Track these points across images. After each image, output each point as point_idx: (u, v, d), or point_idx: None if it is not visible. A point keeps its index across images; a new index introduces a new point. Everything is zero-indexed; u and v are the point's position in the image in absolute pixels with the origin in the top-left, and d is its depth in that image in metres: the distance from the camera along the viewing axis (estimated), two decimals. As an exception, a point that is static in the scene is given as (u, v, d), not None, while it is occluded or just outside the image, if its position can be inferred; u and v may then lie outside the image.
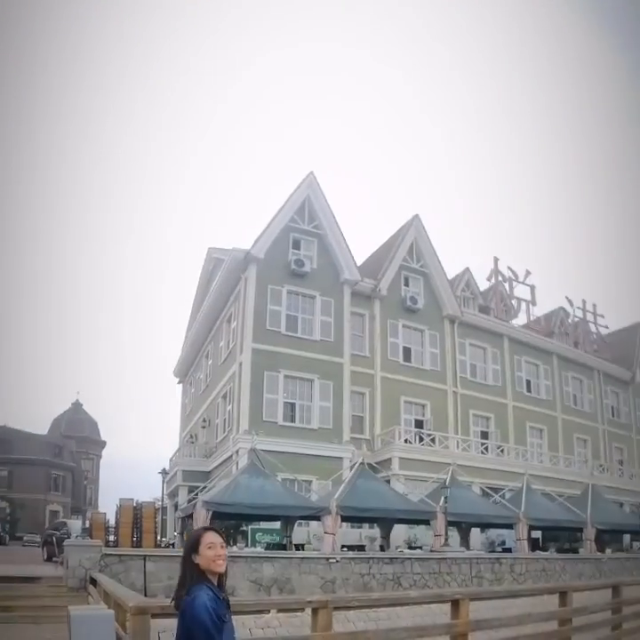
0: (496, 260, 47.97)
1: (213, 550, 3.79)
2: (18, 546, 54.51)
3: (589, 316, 54.71)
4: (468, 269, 47.63)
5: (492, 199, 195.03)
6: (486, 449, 39.64)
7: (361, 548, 27.85)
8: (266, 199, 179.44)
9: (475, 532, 33.74)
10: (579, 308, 53.99)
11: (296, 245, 35.48)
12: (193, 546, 3.83)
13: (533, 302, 49.56)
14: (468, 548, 30.10)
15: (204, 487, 27.06)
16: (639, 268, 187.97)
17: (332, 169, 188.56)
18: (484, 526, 33.72)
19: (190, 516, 24.58)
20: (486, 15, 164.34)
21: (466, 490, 31.63)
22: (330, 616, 7.87)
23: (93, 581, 16.18)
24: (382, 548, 28.18)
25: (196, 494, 25.59)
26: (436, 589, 21.78)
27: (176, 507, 35.25)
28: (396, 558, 23.38)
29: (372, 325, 38.30)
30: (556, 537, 38.14)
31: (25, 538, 60.07)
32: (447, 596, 10.74)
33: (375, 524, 30.86)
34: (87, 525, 35.74)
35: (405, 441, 35.60)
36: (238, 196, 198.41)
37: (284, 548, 25.61)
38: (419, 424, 38.73)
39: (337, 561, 21.68)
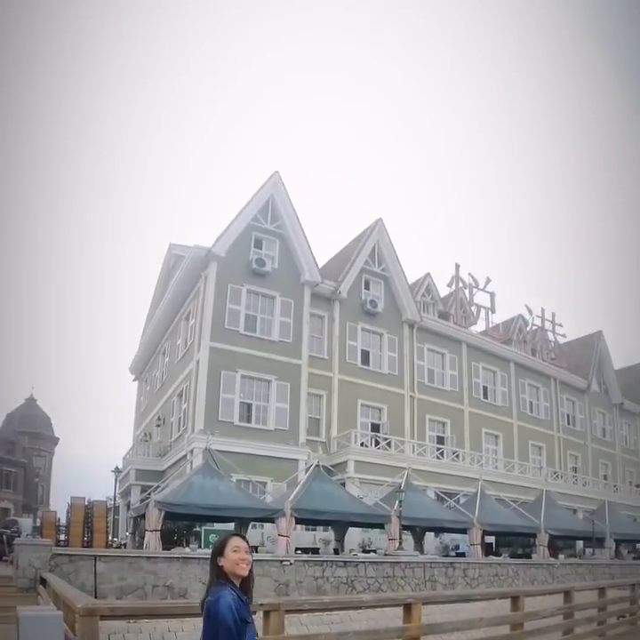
0: (457, 266, 48.29)
1: (238, 553, 3.97)
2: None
3: (548, 325, 55.29)
4: (428, 275, 47.82)
5: (457, 204, 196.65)
6: (442, 454, 39.75)
7: (315, 550, 27.72)
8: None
9: (429, 536, 33.84)
10: (537, 316, 54.68)
11: (258, 245, 35.16)
12: (219, 549, 4.00)
13: (493, 309, 50.03)
14: (421, 552, 30.12)
15: (157, 487, 26.61)
16: (598, 279, 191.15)
17: (332, 169, 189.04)
18: (439, 531, 33.86)
19: (142, 516, 24.18)
20: (486, 15, 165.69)
21: (420, 494, 31.72)
22: (282, 619, 7.84)
23: (43, 581, 15.86)
24: (336, 552, 28.05)
25: (149, 494, 25.12)
26: (389, 593, 21.70)
27: (128, 506, 34.71)
28: (350, 561, 23.28)
29: (331, 327, 38.12)
30: (510, 542, 38.48)
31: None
32: (400, 599, 10.71)
33: (330, 527, 30.70)
34: (38, 524, 35.09)
35: (361, 444, 35.48)
36: (237, 195, 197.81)
37: (237, 549, 25.22)
38: (375, 428, 38.66)
39: (291, 563, 21.51)
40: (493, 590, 22.74)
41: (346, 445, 34.84)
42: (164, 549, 21.89)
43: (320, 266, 38.32)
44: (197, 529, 28.54)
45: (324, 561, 22.64)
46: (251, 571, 4.06)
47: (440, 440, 42.27)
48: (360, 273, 40.24)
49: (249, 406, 32.98)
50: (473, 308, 48.97)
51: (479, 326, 49.62)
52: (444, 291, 49.13)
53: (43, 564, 17.29)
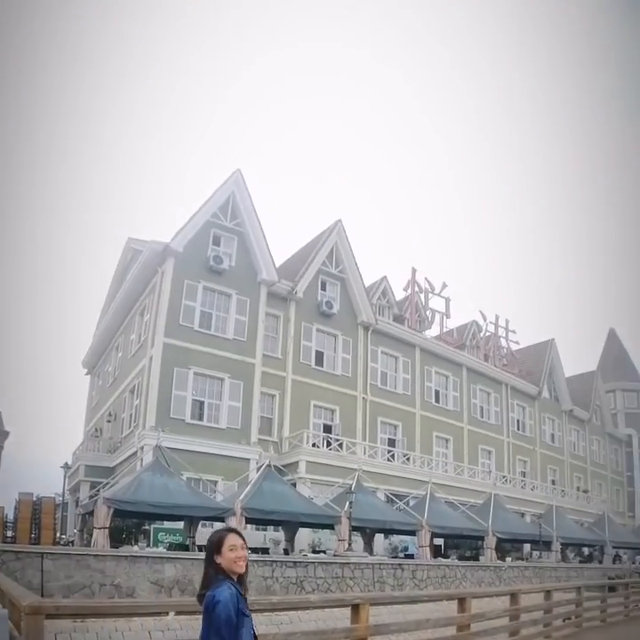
0: (414, 270, 48.57)
1: (235, 552, 4.07)
2: None
3: (501, 332, 55.99)
4: (385, 278, 47.99)
5: (457, 205, 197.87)
6: (393, 456, 39.94)
7: (265, 550, 27.49)
8: (265, 199, 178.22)
9: (378, 537, 34.04)
10: (491, 322, 55.30)
11: (216, 242, 34.90)
12: (216, 547, 4.09)
13: (447, 314, 50.54)
14: (371, 553, 30.19)
15: (107, 483, 26.26)
16: (551, 288, 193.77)
17: (332, 169, 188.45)
18: (388, 532, 33.96)
19: (91, 513, 23.76)
20: (486, 15, 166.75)
21: (371, 496, 31.77)
22: None
23: (-11, 579, 15.46)
24: (286, 552, 27.99)
25: (98, 490, 24.81)
26: (337, 594, 21.68)
27: (77, 503, 34.18)
28: (300, 562, 23.21)
29: (286, 327, 38.03)
30: (458, 544, 38.83)
31: None
32: (347, 600, 10.72)
33: (280, 527, 30.61)
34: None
35: (313, 445, 35.42)
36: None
37: (186, 548, 25.00)
38: (327, 429, 38.64)
39: (240, 563, 21.27)
40: (441, 592, 22.91)
41: (298, 446, 34.76)
42: (112, 547, 21.54)
43: (278, 265, 38.25)
44: (146, 527, 28.25)
45: (273, 561, 22.49)
46: (246, 565, 4.17)
47: (391, 442, 42.45)
48: (317, 274, 40.25)
49: (201, 404, 32.68)
50: (428, 313, 49.33)
51: (433, 331, 50.08)
52: (400, 294, 49.41)
53: (-12, 560, 16.90)
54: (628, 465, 74.93)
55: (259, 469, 28.53)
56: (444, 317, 50.48)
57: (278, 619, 17.04)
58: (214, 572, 4.05)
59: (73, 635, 13.67)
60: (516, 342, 57.74)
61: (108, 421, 39.64)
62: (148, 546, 25.15)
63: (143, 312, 35.48)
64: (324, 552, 28.74)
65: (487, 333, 55.07)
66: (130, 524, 27.71)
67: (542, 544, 38.19)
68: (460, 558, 34.27)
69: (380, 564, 25.76)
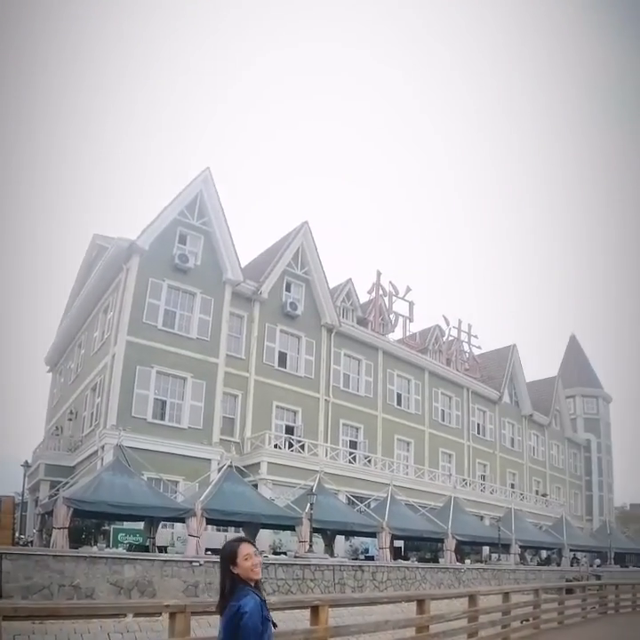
0: (379, 273, 48.67)
1: (250, 560, 4.21)
2: None
3: (464, 336, 56.39)
4: (350, 280, 48.05)
5: (457, 205, 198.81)
6: (354, 458, 39.98)
7: (225, 551, 27.29)
8: (264, 199, 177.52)
9: (339, 539, 34.04)
10: (454, 327, 55.66)
11: (182, 240, 34.68)
12: (231, 558, 4.22)
13: (411, 318, 50.71)
14: (331, 554, 30.21)
15: (67, 483, 25.88)
16: (514, 293, 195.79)
17: (332, 169, 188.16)
18: (349, 534, 33.96)
19: (51, 513, 23.40)
20: (486, 15, 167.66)
21: (332, 497, 31.73)
22: (188, 621, 7.77)
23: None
24: (247, 553, 27.71)
25: (58, 490, 24.44)
26: (298, 595, 21.65)
27: (37, 502, 33.66)
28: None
29: (250, 328, 37.91)
30: (418, 546, 39.05)
31: None
32: (307, 601, 10.77)
33: (241, 528, 30.38)
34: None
35: (275, 446, 35.36)
36: (237, 195, 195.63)
37: (146, 549, 24.80)
38: (289, 430, 38.58)
39: (200, 564, 21.23)
40: (400, 593, 22.97)
41: (259, 447, 34.66)
42: (71, 548, 21.21)
43: (244, 265, 38.11)
44: (106, 527, 27.91)
45: (233, 562, 22.36)
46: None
47: (353, 445, 42.52)
48: (282, 275, 40.21)
49: (163, 403, 32.40)
50: (391, 316, 49.48)
51: (397, 334, 50.22)
52: (365, 297, 49.55)
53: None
54: (586, 469, 76.09)
55: (220, 470, 28.33)
56: (408, 321, 50.68)
57: (239, 620, 16.90)
58: (232, 582, 4.18)
59: (31, 636, 13.48)
60: (478, 347, 58.38)
61: (69, 419, 39.17)
62: (108, 546, 24.81)
63: (107, 309, 35.09)
64: (285, 553, 28.65)
65: (450, 338, 55.48)
66: (89, 524, 27.36)
67: (501, 547, 38.53)
68: (420, 560, 34.43)
69: (341, 565, 25.78)
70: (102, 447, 28.94)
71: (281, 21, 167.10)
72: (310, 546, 27.20)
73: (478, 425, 55.75)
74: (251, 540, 4.50)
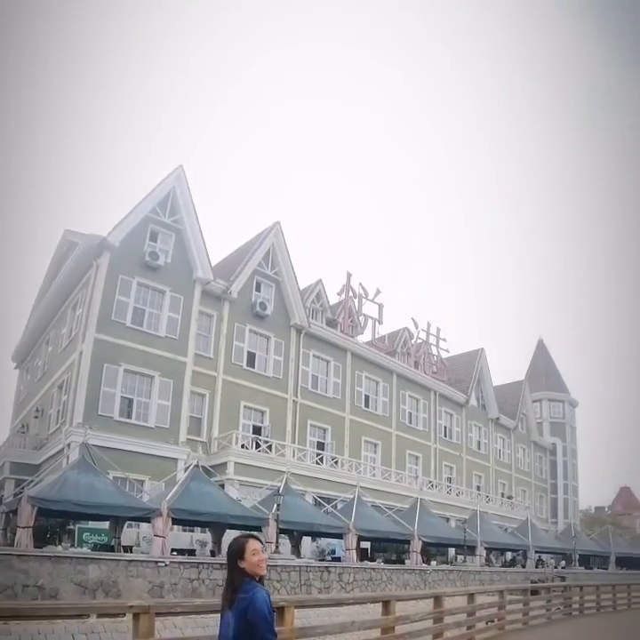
0: (349, 275, 48.66)
1: (257, 556, 4.43)
2: None
3: (432, 339, 56.64)
4: (320, 281, 48.02)
5: (457, 205, 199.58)
6: (321, 459, 39.99)
7: (191, 552, 27.19)
8: (263, 198, 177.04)
9: (306, 540, 33.99)
10: (423, 330, 55.90)
11: (153, 237, 34.43)
12: (239, 553, 4.43)
13: (380, 320, 50.85)
14: (298, 555, 30.18)
15: (32, 481, 25.52)
16: (483, 298, 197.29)
17: (332, 168, 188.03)
18: (315, 535, 33.93)
19: (15, 512, 23.04)
20: (486, 15, 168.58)
21: (299, 498, 31.67)
22: (152, 622, 7.67)
23: None
24: (213, 554, 27.60)
25: (23, 488, 24.10)
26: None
27: (1, 500, 33.13)
28: (227, 564, 22.85)
29: (219, 327, 37.72)
30: (385, 548, 39.14)
31: None
32: (273, 602, 10.55)
33: (207, 529, 30.26)
34: None
35: (242, 446, 35.22)
36: (236, 195, 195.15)
37: (111, 549, 24.53)
38: (257, 430, 38.44)
39: (166, 565, 21.04)
40: (366, 594, 23.01)
41: (227, 446, 34.51)
42: (35, 547, 20.87)
43: (215, 264, 37.94)
44: (71, 527, 27.54)
45: (199, 563, 22.27)
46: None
47: (320, 446, 42.49)
48: (253, 274, 40.11)
49: (130, 402, 32.11)
50: (361, 318, 49.52)
51: (366, 336, 50.29)
52: (335, 299, 49.55)
53: None
54: (551, 473, 76.90)
55: (186, 469, 28.15)
56: (377, 323, 50.80)
57: (204, 621, 16.79)
58: (240, 576, 4.38)
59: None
60: (446, 350, 58.69)
61: (36, 417, 38.71)
62: (73, 546, 24.53)
63: (76, 306, 34.74)
64: (252, 554, 28.46)
65: (418, 341, 55.70)
66: (54, 523, 26.96)
67: (467, 548, 38.77)
68: (386, 561, 34.45)
69: (307, 566, 25.70)
70: (68, 445, 28.63)
71: (281, 21, 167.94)
72: (277, 547, 27.07)
73: (445, 428, 56.09)
74: (258, 537, 4.65)
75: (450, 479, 54.55)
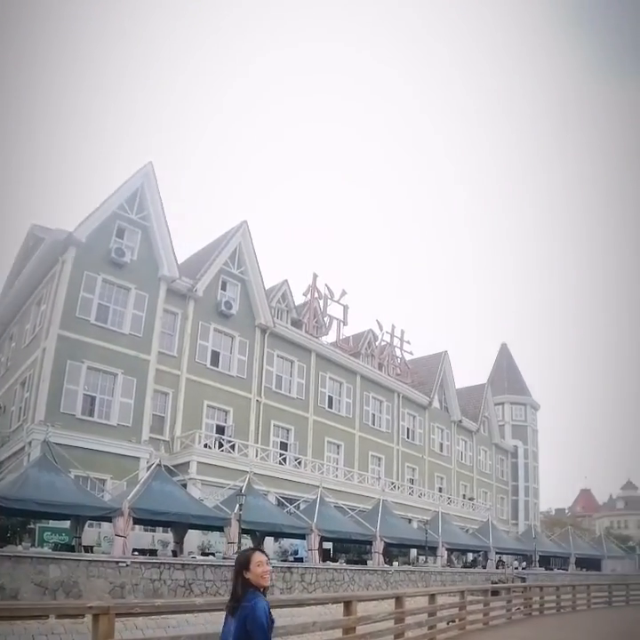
0: (315, 276, 48.65)
1: (261, 568, 4.67)
2: None
3: (396, 342, 56.82)
4: (285, 282, 47.92)
5: (458, 205, 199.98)
6: (284, 460, 39.94)
7: (153, 552, 26.93)
8: (263, 198, 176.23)
9: (268, 540, 33.94)
10: (387, 332, 56.04)
11: (120, 234, 34.13)
12: (245, 564, 4.67)
13: (345, 322, 50.86)
14: (260, 556, 29.84)
15: (-8, 479, 25.09)
16: (450, 301, 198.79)
17: (332, 169, 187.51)
18: (278, 535, 33.89)
19: (-26, 510, 22.69)
20: (486, 15, 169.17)
21: (261, 499, 31.57)
22: (112, 622, 7.58)
23: None
24: (175, 554, 27.41)
25: (-18, 486, 23.64)
26: (226, 596, 21.35)
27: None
28: (188, 564, 22.88)
29: (183, 325, 37.48)
30: (347, 548, 39.21)
31: None
32: None
33: (169, 529, 30.01)
34: None
35: (205, 446, 35.01)
36: (237, 194, 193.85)
37: (72, 549, 24.18)
38: (220, 430, 38.27)
39: (127, 565, 20.84)
40: (327, 595, 22.99)
41: (189, 446, 34.30)
42: (-5, 547, 20.63)
43: (181, 262, 37.72)
44: (31, 526, 27.11)
45: (161, 563, 22.11)
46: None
47: (283, 446, 42.43)
48: (218, 273, 39.93)
49: (93, 399, 31.75)
50: (325, 319, 49.51)
51: (330, 337, 50.32)
52: (300, 299, 49.51)
53: None
54: (513, 475, 77.76)
55: (149, 469, 27.91)
56: (341, 324, 50.86)
57: (165, 622, 16.70)
58: (244, 586, 4.62)
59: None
60: (410, 352, 59.00)
61: (-3, 414, 38.09)
62: (33, 545, 24.18)
63: (40, 302, 34.29)
64: (214, 554, 28.48)
65: (383, 343, 55.83)
66: (14, 522, 26.52)
67: (428, 549, 39.06)
68: (349, 562, 34.51)
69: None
70: (29, 443, 28.17)
71: (281, 21, 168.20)
72: (239, 547, 26.93)
73: (408, 429, 56.35)
74: (263, 550, 4.93)
75: (412, 480, 54.90)
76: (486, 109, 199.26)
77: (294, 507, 33.49)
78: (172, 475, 29.36)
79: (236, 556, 18.95)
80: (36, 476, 22.86)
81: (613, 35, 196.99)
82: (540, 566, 51.98)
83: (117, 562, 20.75)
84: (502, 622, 22.47)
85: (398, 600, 14.77)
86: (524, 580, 40.15)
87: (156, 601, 17.20)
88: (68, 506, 22.67)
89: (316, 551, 30.37)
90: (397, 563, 37.57)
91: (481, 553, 49.88)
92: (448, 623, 18.20)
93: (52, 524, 26.91)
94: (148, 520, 27.00)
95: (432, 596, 17.20)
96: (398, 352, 57.37)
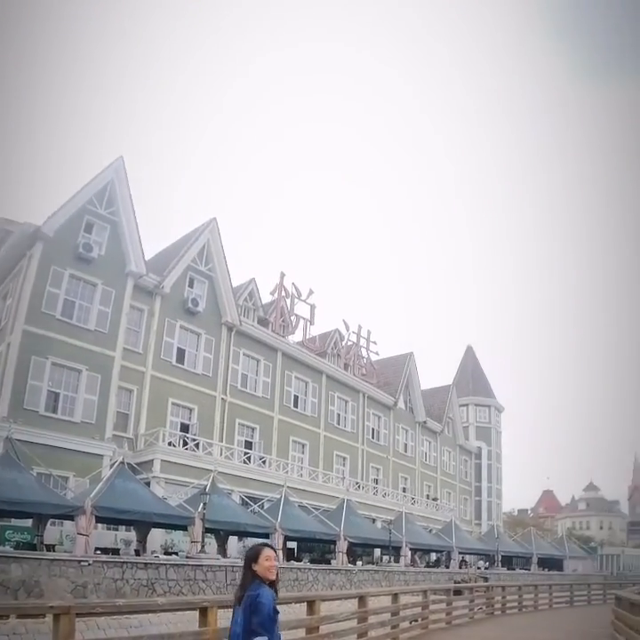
0: (282, 275, 48.56)
1: (269, 562, 4.95)
2: None
3: (362, 342, 56.97)
4: (253, 280, 47.81)
5: (458, 206, 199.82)
6: (249, 459, 39.79)
7: (115, 551, 26.69)
8: (263, 198, 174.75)
9: (232, 539, 33.85)
10: (354, 332, 56.13)
11: (88, 229, 33.78)
12: (254, 558, 4.94)
13: (311, 321, 50.80)
14: (224, 555, 30.03)
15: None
16: (419, 302, 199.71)
17: (332, 169, 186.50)
18: (242, 534, 33.78)
19: None
20: (486, 15, 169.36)
21: (225, 498, 31.45)
22: (72, 623, 7.49)
23: None
24: (138, 553, 27.21)
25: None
26: (188, 596, 21.27)
27: None
28: (151, 563, 22.63)
29: (149, 322, 37.20)
30: (311, 548, 39.28)
31: None
32: (195, 603, 10.78)
33: (132, 527, 29.77)
34: None
35: (169, 444, 34.82)
36: (237, 194, 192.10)
37: (34, 548, 23.82)
38: (184, 428, 38.08)
39: (89, 564, 20.56)
40: (290, 594, 22.85)
41: (153, 444, 34.03)
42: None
43: (149, 258, 37.42)
44: (-7, 524, 26.76)
45: (123, 562, 21.82)
46: (277, 573, 5.02)
47: (248, 445, 42.31)
48: (186, 270, 39.70)
49: (57, 396, 31.32)
50: (292, 318, 49.44)
51: (297, 336, 50.25)
52: (268, 298, 49.38)
53: None
54: (476, 476, 78.43)
55: (112, 466, 27.62)
56: (308, 324, 50.81)
57: (128, 622, 16.57)
58: (252, 577, 4.88)
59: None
60: (376, 353, 59.20)
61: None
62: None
63: (6, 296, 33.82)
64: (177, 554, 28.27)
65: (349, 343, 55.89)
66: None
67: (392, 549, 39.24)
68: (313, 561, 34.59)
69: (233, 566, 25.45)
70: (-9, 440, 27.74)
71: (281, 21, 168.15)
72: (202, 546, 26.82)
73: (373, 429, 56.53)
74: (273, 546, 5.40)
75: (376, 480, 55.10)
76: (486, 109, 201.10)
77: (258, 506, 33.43)
78: (135, 473, 29.03)
79: (199, 554, 18.92)
80: (-2, 473, 22.54)
81: (613, 35, 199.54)
82: (502, 566, 52.48)
83: (79, 561, 20.44)
84: (465, 621, 22.62)
85: (361, 599, 14.78)
86: (486, 579, 40.41)
87: (118, 601, 16.99)
88: (31, 504, 22.42)
89: (280, 550, 30.30)
90: (361, 562, 37.71)
91: (444, 553, 50.25)
92: (411, 622, 18.26)
93: (14, 522, 26.42)
94: (110, 518, 26.78)
95: (395, 596, 17.23)
96: (364, 352, 57.56)
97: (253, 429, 43.41)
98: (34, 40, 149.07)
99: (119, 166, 34.56)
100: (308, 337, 50.96)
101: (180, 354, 39.12)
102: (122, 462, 26.94)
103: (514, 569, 55.23)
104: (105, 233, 34.42)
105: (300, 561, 33.51)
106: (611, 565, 72.53)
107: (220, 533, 31.60)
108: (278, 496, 34.71)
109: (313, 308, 50.92)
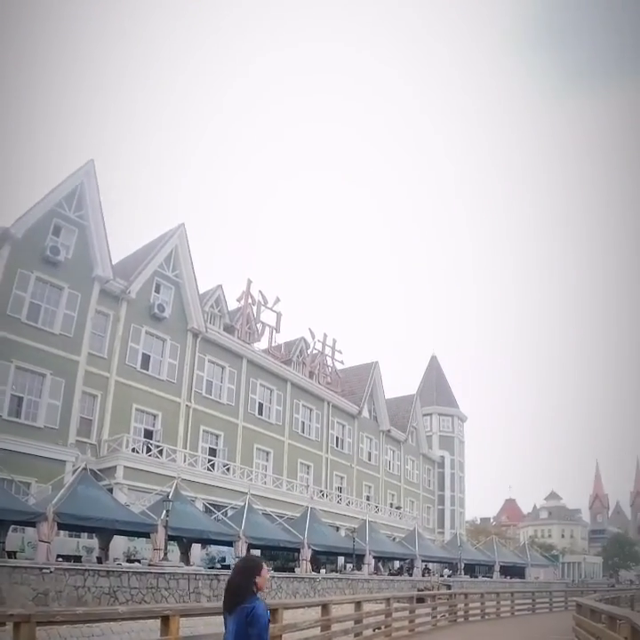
0: (249, 282, 48.55)
1: (267, 575, 5.25)
2: None
3: (328, 351, 57.05)
4: (220, 286, 47.64)
5: (459, 207, 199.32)
6: (213, 466, 39.61)
7: (77, 558, 26.41)
8: (263, 198, 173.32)
9: (195, 547, 33.68)
10: (319, 340, 56.24)
11: (56, 232, 33.51)
12: (257, 570, 5.14)
13: (277, 329, 50.81)
14: (187, 563, 29.80)
15: None
16: (450, 301, 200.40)
17: (332, 169, 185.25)
18: (205, 542, 33.68)
19: None
20: (486, 15, 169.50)
21: (189, 505, 31.25)
22: (33, 631, 7.55)
23: None
24: (100, 560, 26.98)
25: None
26: (151, 605, 21.07)
27: None
28: (113, 571, 22.39)
29: (115, 327, 36.91)
30: (275, 556, 39.14)
31: None
32: (156, 611, 10.75)
33: (94, 534, 29.44)
34: None
35: (133, 450, 34.56)
36: (238, 195, 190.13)
37: (-6, 554, 23.48)
38: (148, 434, 37.87)
39: (51, 571, 20.29)
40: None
41: (117, 450, 33.74)
42: None
43: (116, 262, 37.16)
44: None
45: (85, 570, 21.57)
46: None
47: (212, 452, 42.14)
48: (153, 275, 39.50)
49: (20, 400, 30.92)
50: (258, 326, 49.37)
51: (262, 344, 50.17)
52: (234, 305, 49.27)
53: None
54: (439, 484, 78.97)
55: (74, 472, 27.35)
56: (274, 331, 50.80)
57: (90, 630, 16.40)
58: (251, 589, 5.02)
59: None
60: (341, 362, 59.40)
61: None
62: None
63: (-29, 299, 33.26)
64: (139, 561, 28.02)
65: (314, 351, 55.95)
66: None
67: (356, 557, 39.30)
68: (276, 569, 34.42)
69: (196, 574, 25.35)
70: (-48, 445, 27.34)
71: (281, 21, 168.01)
72: (165, 554, 26.67)
73: (337, 438, 56.64)
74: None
75: (340, 489, 55.19)
76: (486, 109, 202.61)
77: (222, 513, 33.31)
78: (98, 479, 28.74)
79: (162, 561, 18.77)
80: (-42, 479, 22.24)
81: (613, 35, 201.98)
82: (465, 574, 52.82)
83: (41, 568, 20.19)
84: (428, 629, 22.82)
85: (325, 607, 14.83)
86: (449, 587, 40.66)
87: (78, 609, 16.82)
88: (-8, 509, 22.11)
89: (244, 559, 30.17)
90: (325, 570, 37.71)
91: (407, 561, 50.41)
92: (374, 630, 18.34)
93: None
94: (72, 525, 26.45)
95: (358, 604, 17.31)
96: (329, 361, 57.68)
97: (217, 436, 43.25)
98: (34, 40, 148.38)
99: (89, 170, 34.35)
100: (273, 345, 50.99)
101: (145, 359, 38.85)
102: (85, 468, 26.68)
103: (476, 577, 55.61)
104: (73, 236, 34.14)
105: (264, 569, 33.36)
106: (572, 573, 73.60)
107: (184, 541, 31.37)
108: (242, 504, 34.53)
109: (279, 315, 50.97)
